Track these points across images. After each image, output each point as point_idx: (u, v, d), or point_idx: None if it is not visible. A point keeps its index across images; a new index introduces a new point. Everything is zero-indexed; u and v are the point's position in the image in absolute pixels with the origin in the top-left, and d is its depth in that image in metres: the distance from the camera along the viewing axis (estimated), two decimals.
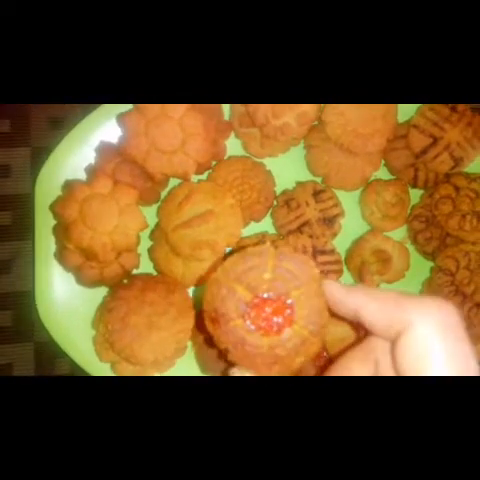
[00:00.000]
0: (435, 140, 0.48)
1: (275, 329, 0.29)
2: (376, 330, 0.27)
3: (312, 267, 0.30)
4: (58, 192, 0.46)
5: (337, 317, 0.30)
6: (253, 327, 0.29)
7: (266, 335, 0.29)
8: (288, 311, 0.29)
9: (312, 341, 0.29)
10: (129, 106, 0.46)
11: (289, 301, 0.29)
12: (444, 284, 0.47)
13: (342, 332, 0.37)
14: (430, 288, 0.49)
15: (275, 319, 0.29)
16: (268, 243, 0.31)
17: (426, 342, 0.23)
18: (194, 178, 0.49)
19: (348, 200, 0.51)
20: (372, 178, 0.52)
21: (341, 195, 0.51)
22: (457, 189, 0.48)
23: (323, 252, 0.48)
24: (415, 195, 0.52)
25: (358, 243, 0.50)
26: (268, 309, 0.29)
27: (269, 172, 0.51)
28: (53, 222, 0.46)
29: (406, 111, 0.49)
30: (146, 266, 0.48)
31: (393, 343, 0.25)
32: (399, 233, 0.52)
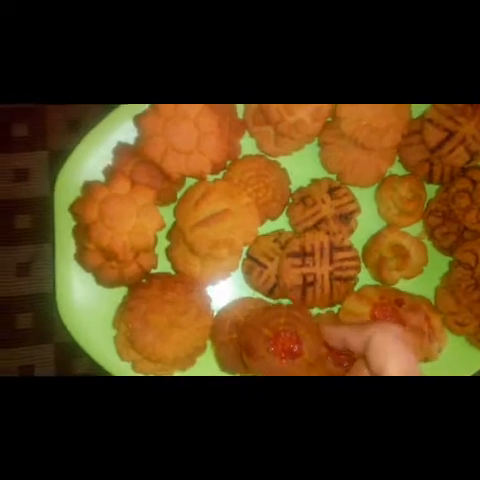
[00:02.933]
0: (450, 134, 0.47)
1: (290, 357, 0.41)
2: (355, 349, 0.38)
3: (311, 315, 0.46)
4: (77, 194, 0.47)
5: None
6: (274, 356, 0.41)
7: (284, 362, 0.41)
8: (298, 345, 0.41)
9: (315, 366, 0.42)
10: (145, 107, 0.47)
11: (298, 337, 0.41)
12: (463, 278, 0.47)
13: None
14: (449, 282, 0.49)
15: (289, 350, 0.41)
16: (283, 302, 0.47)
17: (382, 345, 0.37)
18: (210, 178, 0.49)
19: (364, 196, 0.51)
20: (387, 174, 0.52)
21: (356, 191, 0.51)
22: (474, 183, 0.48)
23: (340, 249, 0.48)
24: (430, 190, 0.52)
25: (375, 239, 0.50)
26: (284, 342, 0.41)
27: (284, 170, 0.51)
28: (72, 224, 0.47)
29: (419, 106, 0.49)
30: (164, 266, 0.49)
31: (365, 353, 0.37)
32: (415, 229, 0.52)
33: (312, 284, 0.47)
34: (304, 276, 0.47)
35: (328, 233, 0.49)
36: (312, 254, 0.47)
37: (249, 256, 0.49)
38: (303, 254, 0.47)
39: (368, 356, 0.37)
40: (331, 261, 0.48)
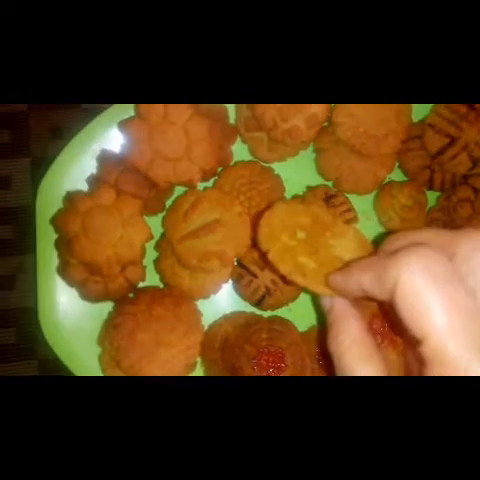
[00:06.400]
0: (452, 140, 0.45)
1: (275, 372, 0.40)
2: (377, 297, 0.27)
3: (294, 327, 0.44)
4: (60, 204, 0.45)
5: None
6: (259, 373, 0.40)
7: None
8: (281, 359, 0.41)
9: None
10: (131, 113, 0.45)
11: (281, 351, 0.41)
12: None
13: None
14: None
15: (273, 365, 0.40)
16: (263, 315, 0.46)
17: (414, 294, 0.25)
18: (200, 186, 0.47)
19: (361, 204, 0.49)
20: (386, 180, 0.49)
21: (353, 199, 0.49)
22: (476, 191, 0.46)
23: None
24: (431, 198, 0.50)
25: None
26: (268, 358, 0.41)
27: (278, 177, 0.49)
28: (55, 235, 0.45)
29: (420, 110, 0.47)
30: (152, 278, 0.47)
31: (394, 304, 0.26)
32: None
33: None
34: None
35: None
36: None
37: (239, 263, 0.47)
38: None
39: (399, 309, 0.26)
40: None
